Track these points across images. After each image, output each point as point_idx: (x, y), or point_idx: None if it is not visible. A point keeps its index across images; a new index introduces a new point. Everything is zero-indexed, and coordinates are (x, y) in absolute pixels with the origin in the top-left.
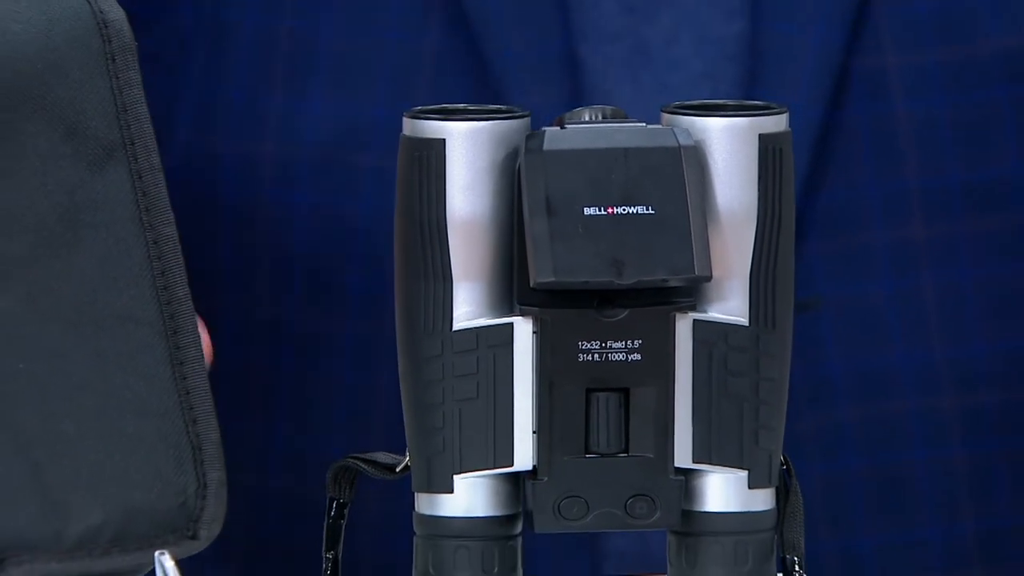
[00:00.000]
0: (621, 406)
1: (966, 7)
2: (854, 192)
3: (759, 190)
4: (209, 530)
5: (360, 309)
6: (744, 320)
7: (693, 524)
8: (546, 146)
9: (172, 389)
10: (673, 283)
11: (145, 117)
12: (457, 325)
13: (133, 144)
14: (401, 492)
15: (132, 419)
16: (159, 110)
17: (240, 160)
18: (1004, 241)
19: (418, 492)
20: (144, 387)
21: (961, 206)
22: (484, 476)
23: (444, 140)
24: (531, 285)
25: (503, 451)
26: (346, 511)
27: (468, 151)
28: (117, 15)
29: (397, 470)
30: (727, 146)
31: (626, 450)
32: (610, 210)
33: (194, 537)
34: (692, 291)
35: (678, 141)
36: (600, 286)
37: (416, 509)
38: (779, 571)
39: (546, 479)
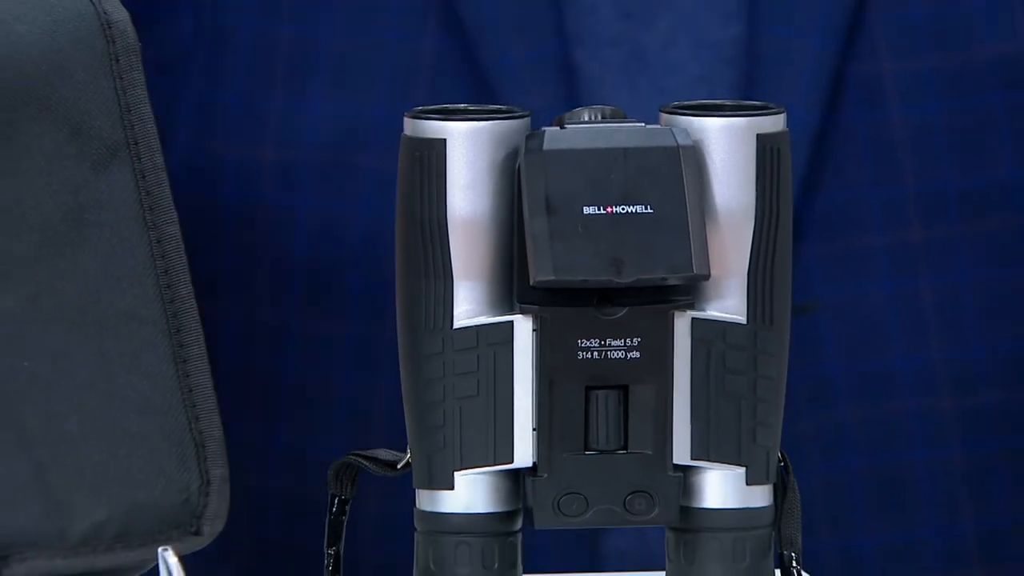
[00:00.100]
0: (620, 403)
1: (961, 14)
2: (851, 196)
3: (757, 189)
4: (212, 526)
5: (360, 311)
6: (742, 318)
7: (691, 520)
8: (546, 146)
9: (175, 387)
10: (672, 282)
11: (149, 117)
12: (458, 323)
13: (137, 144)
14: (402, 489)
15: (135, 417)
16: (159, 114)
17: (240, 163)
18: (1001, 244)
19: (419, 489)
20: (147, 385)
21: (958, 210)
22: (484, 473)
23: (445, 140)
24: (531, 284)
25: (503, 448)
26: (348, 507)
27: (468, 151)
28: (121, 16)
29: (398, 467)
30: (725, 146)
31: (625, 447)
32: (609, 209)
33: (197, 533)
34: (691, 289)
35: (676, 141)
36: (599, 284)
37: (417, 505)
38: (776, 567)
39: (546, 476)
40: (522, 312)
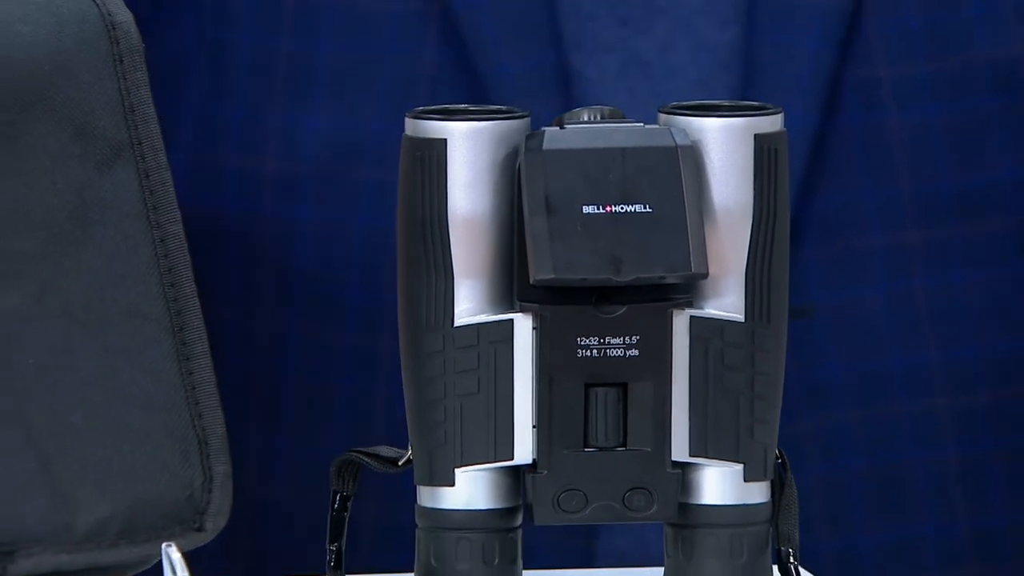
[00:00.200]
0: (619, 401)
1: (956, 19)
2: (848, 198)
3: (755, 189)
4: (215, 522)
5: (359, 319)
6: (740, 316)
7: (690, 517)
8: (545, 146)
9: (179, 384)
10: (670, 280)
11: (152, 117)
12: (458, 321)
13: (141, 144)
14: (403, 486)
15: (139, 413)
16: (161, 126)
17: (241, 175)
18: (996, 245)
19: (420, 485)
20: (151, 382)
21: (953, 212)
22: (485, 469)
23: (445, 140)
24: (531, 282)
25: (503, 445)
26: (349, 504)
27: (469, 150)
28: (125, 17)
29: (399, 463)
30: (723, 146)
31: (624, 444)
32: (608, 208)
33: (200, 529)
34: (689, 288)
35: (675, 141)
36: (599, 283)
37: (418, 502)
38: (774, 563)
39: (546, 472)
40: (522, 310)
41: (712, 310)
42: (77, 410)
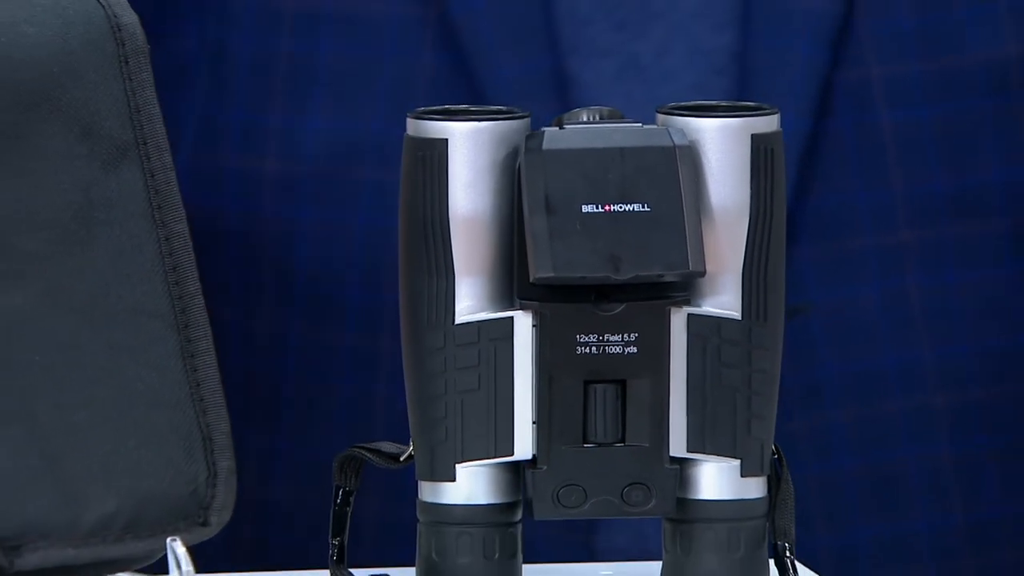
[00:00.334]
0: (618, 397)
1: (947, 20)
2: (842, 199)
3: (751, 188)
4: (219, 517)
5: (359, 319)
6: (737, 314)
7: (687, 511)
8: (545, 146)
9: (183, 381)
10: (668, 278)
11: (158, 117)
12: (459, 319)
13: (146, 144)
14: (404, 482)
15: (144, 410)
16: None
17: (242, 176)
18: (988, 246)
19: (421, 480)
20: (156, 379)
21: (946, 212)
22: (485, 465)
23: (446, 140)
24: (531, 280)
25: (504, 441)
26: (352, 499)
27: (470, 150)
28: (130, 19)
29: (401, 459)
30: (720, 146)
31: (623, 440)
32: (607, 208)
33: (205, 524)
34: (687, 286)
35: (673, 141)
36: (598, 281)
37: (419, 497)
38: (771, 557)
39: (545, 468)
40: (522, 308)
41: (709, 308)
42: (83, 407)
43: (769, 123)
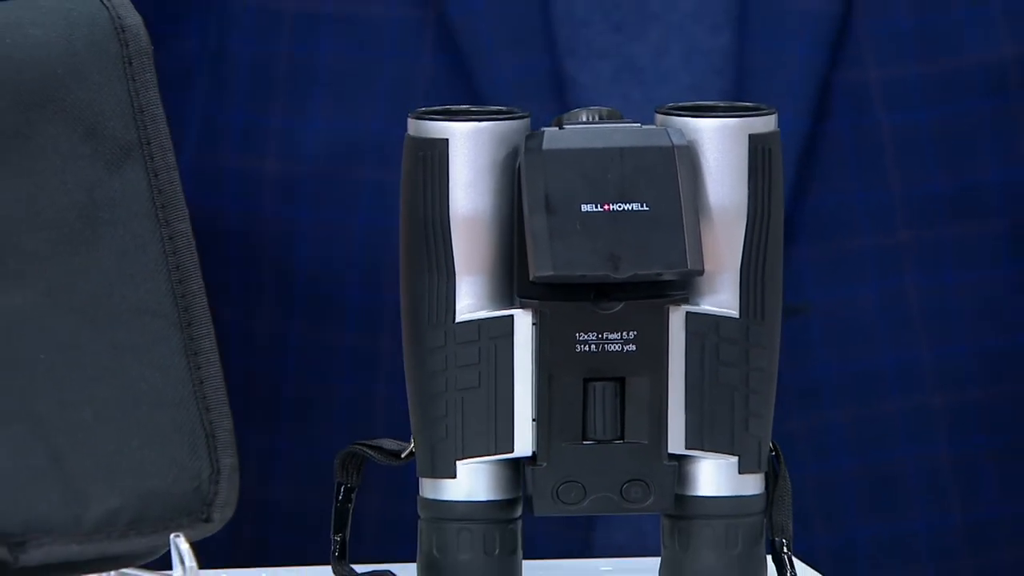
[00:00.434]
0: (617, 395)
1: (945, 22)
2: (840, 200)
3: (749, 188)
4: (222, 513)
5: (358, 319)
6: (735, 312)
7: (686, 508)
8: (545, 146)
9: (187, 379)
10: (667, 277)
11: (161, 118)
12: (460, 317)
13: (149, 144)
14: (406, 479)
15: (148, 408)
16: None
17: (243, 176)
18: (986, 246)
19: (422, 477)
20: (160, 377)
21: (944, 213)
22: (485, 462)
23: (447, 140)
24: (531, 279)
25: (504, 438)
26: (353, 495)
27: (470, 150)
28: (134, 20)
29: (402, 456)
30: (718, 146)
31: (622, 437)
32: (606, 207)
33: (208, 520)
34: (685, 284)
35: (671, 141)
36: (597, 280)
37: (420, 493)
38: (768, 553)
39: (545, 465)
40: (522, 306)
41: (708, 306)
42: (87, 405)
43: (767, 123)
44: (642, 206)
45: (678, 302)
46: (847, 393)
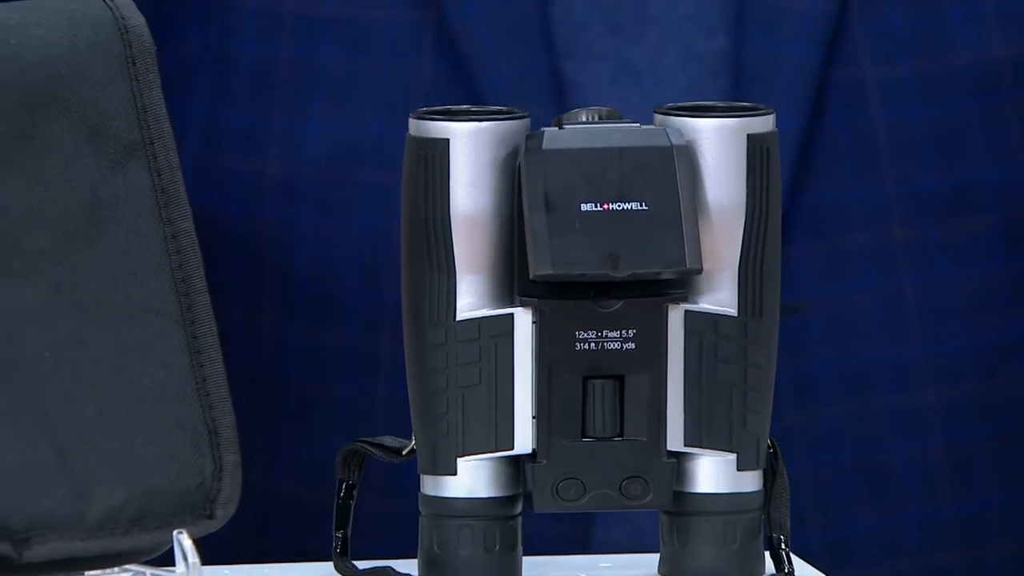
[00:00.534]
0: (616, 393)
1: (939, 22)
2: (836, 198)
3: (747, 187)
4: (225, 510)
5: (359, 319)
6: (733, 310)
7: (684, 504)
8: (545, 145)
9: (190, 376)
10: (666, 275)
11: (164, 117)
12: (460, 315)
13: (153, 143)
14: (407, 476)
15: (151, 405)
16: None
17: (244, 179)
18: (978, 243)
19: (423, 474)
20: (163, 374)
21: (937, 211)
22: (486, 459)
23: (448, 140)
24: (531, 277)
25: (504, 435)
26: (355, 492)
27: (471, 150)
28: (137, 21)
29: (403, 453)
30: (717, 145)
31: (621, 434)
32: (606, 206)
33: (211, 517)
34: (684, 283)
35: (670, 141)
36: (596, 278)
37: (421, 490)
38: (766, 549)
39: (545, 462)
40: (522, 305)
41: (706, 305)
42: (91, 402)
43: (765, 123)
44: (641, 205)
45: (677, 300)
46: (843, 389)
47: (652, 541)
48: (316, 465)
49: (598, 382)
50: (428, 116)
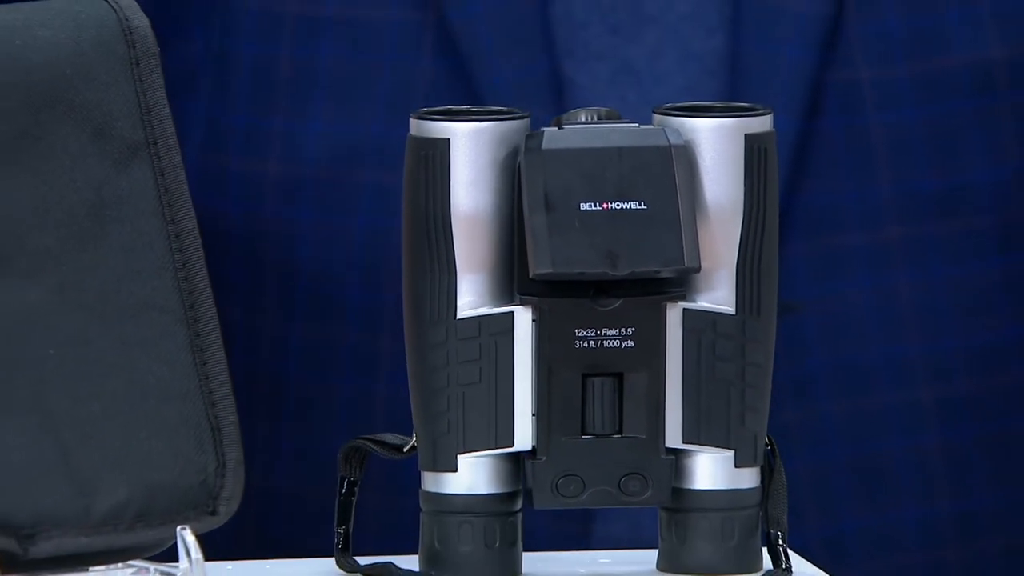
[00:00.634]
0: (615, 390)
1: (934, 23)
2: (832, 198)
3: (745, 186)
4: (228, 506)
5: (359, 318)
6: (731, 309)
7: (683, 501)
8: (545, 145)
9: (193, 374)
10: (664, 274)
11: (167, 118)
12: (461, 314)
13: (156, 143)
14: (407, 473)
15: (155, 402)
16: None
17: (245, 178)
18: (972, 242)
19: (424, 471)
20: (166, 372)
21: (932, 211)
22: (486, 456)
23: (448, 140)
24: (530, 276)
25: (504, 432)
26: (356, 489)
27: (471, 150)
28: (141, 22)
29: (404, 450)
30: (715, 145)
31: (620, 431)
32: (605, 205)
33: (214, 513)
34: (682, 281)
35: (669, 140)
36: (595, 277)
37: (422, 487)
38: (764, 545)
39: (544, 459)
40: (522, 303)
41: (704, 303)
42: (96, 399)
43: (762, 123)
44: (640, 204)
45: (675, 299)
46: (839, 387)
47: (650, 537)
48: (317, 464)
49: (597, 380)
50: (429, 116)
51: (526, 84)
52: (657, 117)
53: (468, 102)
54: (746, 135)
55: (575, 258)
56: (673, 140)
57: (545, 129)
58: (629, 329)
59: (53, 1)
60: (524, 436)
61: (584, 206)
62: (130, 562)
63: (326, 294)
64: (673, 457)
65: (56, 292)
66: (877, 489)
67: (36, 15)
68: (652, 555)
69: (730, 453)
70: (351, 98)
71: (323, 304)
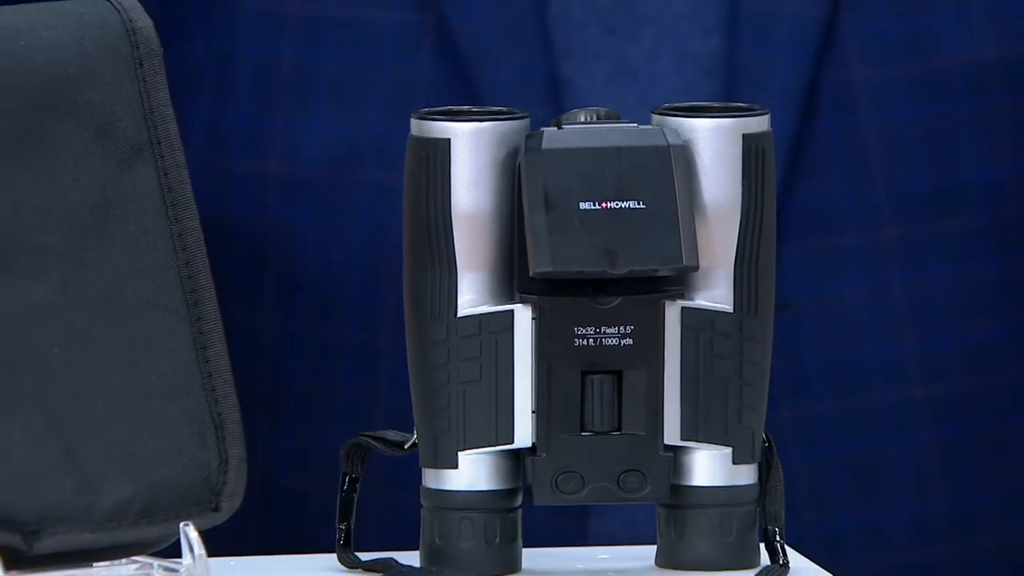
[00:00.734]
0: (614, 388)
1: (928, 25)
2: (827, 198)
3: (743, 186)
4: (230, 503)
5: (360, 318)
6: (729, 307)
7: (681, 497)
8: (544, 145)
9: (196, 372)
10: (663, 273)
11: (171, 118)
12: (461, 312)
13: (160, 143)
14: (408, 469)
15: (159, 400)
16: None
17: (247, 178)
18: (967, 242)
19: (425, 468)
20: (170, 369)
21: (927, 211)
22: (486, 453)
23: (449, 140)
24: (530, 275)
25: (504, 429)
26: (358, 485)
27: (472, 150)
28: (145, 23)
29: (405, 447)
30: (713, 145)
31: (619, 428)
32: (604, 205)
33: (216, 509)
34: (681, 280)
35: (667, 140)
36: (595, 275)
37: (423, 483)
38: (761, 541)
39: (544, 455)
40: (522, 302)
41: (702, 301)
42: (100, 397)
43: (760, 123)
44: (639, 204)
45: (674, 297)
46: (834, 385)
47: (647, 533)
48: (318, 462)
49: (596, 377)
50: (430, 116)
51: (525, 85)
52: (656, 117)
53: (468, 103)
54: (744, 135)
55: (574, 257)
56: (672, 140)
57: (545, 129)
58: (628, 327)
59: (57, 2)
60: (524, 433)
61: (583, 205)
62: (134, 558)
63: (327, 293)
64: (671, 454)
65: (60, 291)
66: (872, 486)
67: (40, 16)
68: (651, 551)
69: (728, 450)
70: (351, 98)
71: (324, 303)
